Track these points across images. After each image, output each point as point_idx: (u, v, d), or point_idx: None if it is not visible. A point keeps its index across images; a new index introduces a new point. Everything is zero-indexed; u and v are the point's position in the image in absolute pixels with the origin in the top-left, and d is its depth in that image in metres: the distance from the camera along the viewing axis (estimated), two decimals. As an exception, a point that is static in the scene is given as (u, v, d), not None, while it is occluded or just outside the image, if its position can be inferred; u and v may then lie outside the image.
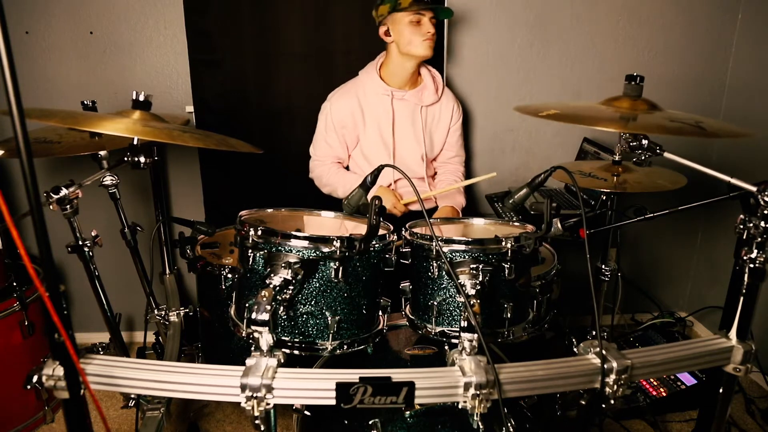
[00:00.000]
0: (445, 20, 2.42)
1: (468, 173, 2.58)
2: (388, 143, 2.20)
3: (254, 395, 1.02)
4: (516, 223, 1.59)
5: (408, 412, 1.31)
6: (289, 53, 2.40)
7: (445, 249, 1.28)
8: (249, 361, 1.07)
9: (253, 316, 1.09)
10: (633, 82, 1.45)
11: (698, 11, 2.57)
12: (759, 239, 1.15)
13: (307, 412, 1.44)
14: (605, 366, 1.10)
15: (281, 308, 1.23)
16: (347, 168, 2.32)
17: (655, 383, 2.23)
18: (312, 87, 2.43)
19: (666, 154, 1.35)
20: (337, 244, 1.22)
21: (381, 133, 2.19)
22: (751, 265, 1.17)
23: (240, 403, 1.03)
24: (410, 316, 1.42)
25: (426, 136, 2.25)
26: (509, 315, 1.32)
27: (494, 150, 2.67)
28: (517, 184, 1.44)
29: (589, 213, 2.05)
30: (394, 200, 2.13)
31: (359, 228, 1.50)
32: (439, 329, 1.33)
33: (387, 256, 1.35)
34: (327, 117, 2.19)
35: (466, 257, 1.27)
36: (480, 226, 1.64)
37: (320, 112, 2.23)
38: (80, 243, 1.58)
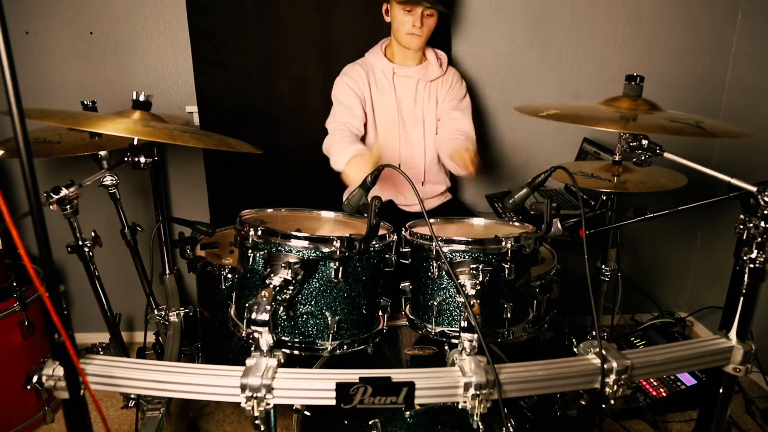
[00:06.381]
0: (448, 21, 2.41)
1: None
2: (395, 120, 2.17)
3: (254, 395, 1.02)
4: (516, 223, 1.59)
5: (408, 413, 1.31)
6: (293, 53, 2.39)
7: (445, 249, 1.28)
8: (249, 361, 1.07)
9: (253, 316, 1.09)
10: (633, 82, 1.45)
11: (698, 11, 2.57)
12: (759, 239, 1.15)
13: (307, 412, 1.44)
14: (605, 366, 1.10)
15: (281, 308, 1.23)
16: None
17: (655, 383, 2.23)
18: (316, 86, 2.42)
19: (666, 154, 1.35)
20: (337, 244, 1.22)
21: (387, 109, 2.17)
22: (751, 265, 1.17)
23: (240, 403, 1.03)
24: (410, 316, 1.42)
25: (428, 110, 2.20)
26: (509, 315, 1.32)
27: (494, 150, 2.67)
28: (517, 184, 1.44)
29: (588, 213, 2.05)
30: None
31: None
32: (439, 329, 1.33)
33: (387, 256, 1.35)
34: (346, 82, 2.13)
35: (466, 257, 1.27)
36: (480, 226, 1.64)
37: (334, 87, 2.18)
38: (80, 243, 1.58)
